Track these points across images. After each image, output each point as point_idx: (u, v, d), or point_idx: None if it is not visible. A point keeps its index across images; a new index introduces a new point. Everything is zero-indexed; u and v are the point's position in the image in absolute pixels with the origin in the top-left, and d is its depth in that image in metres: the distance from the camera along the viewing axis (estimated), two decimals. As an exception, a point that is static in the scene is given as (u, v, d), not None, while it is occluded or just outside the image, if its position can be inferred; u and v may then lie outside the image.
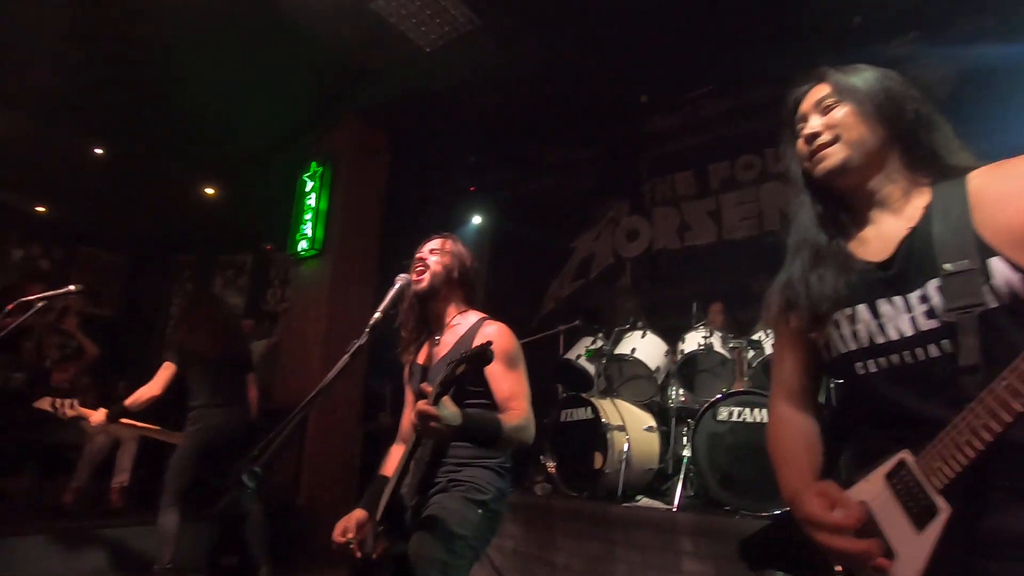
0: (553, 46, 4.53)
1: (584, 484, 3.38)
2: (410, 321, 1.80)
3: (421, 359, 1.79)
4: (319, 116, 5.44)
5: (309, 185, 5.56)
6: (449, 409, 1.33)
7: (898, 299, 0.92)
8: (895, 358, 0.91)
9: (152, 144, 5.97)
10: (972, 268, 0.84)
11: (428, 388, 1.36)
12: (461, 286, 1.82)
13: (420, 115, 5.44)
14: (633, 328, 3.95)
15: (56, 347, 4.83)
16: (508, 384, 1.60)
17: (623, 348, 3.84)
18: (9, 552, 3.26)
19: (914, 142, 0.98)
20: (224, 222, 7.67)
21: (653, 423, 3.57)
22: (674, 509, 3.01)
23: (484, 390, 1.61)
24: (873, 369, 0.94)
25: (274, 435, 1.18)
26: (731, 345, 3.55)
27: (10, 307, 2.56)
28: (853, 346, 0.96)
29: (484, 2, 4.07)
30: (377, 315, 1.53)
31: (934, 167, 0.97)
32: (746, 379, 3.40)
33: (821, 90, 1.05)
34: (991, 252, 0.84)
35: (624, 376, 4.06)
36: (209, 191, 7.11)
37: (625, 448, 3.29)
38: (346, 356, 1.40)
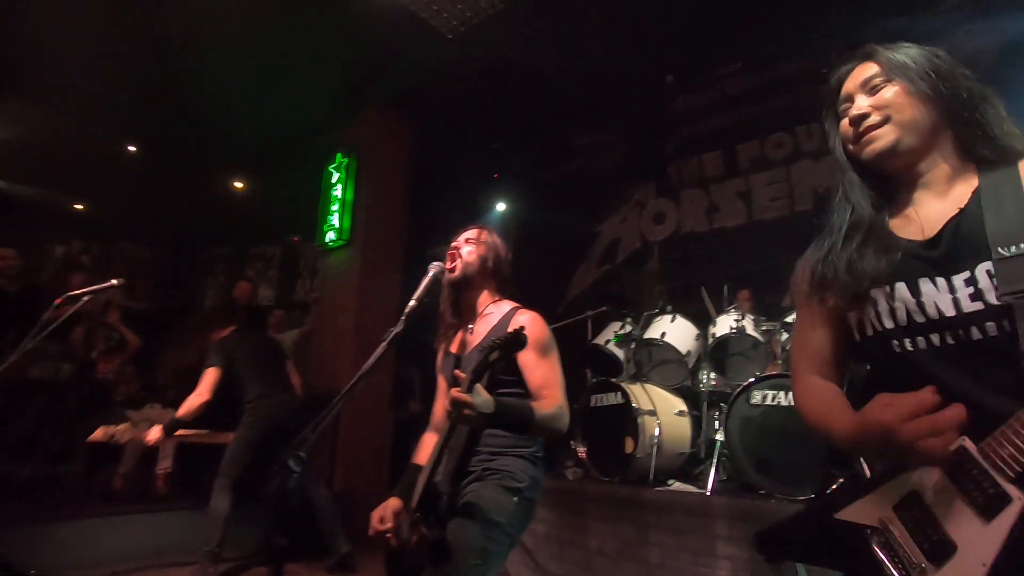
0: (576, 26, 4.45)
1: (615, 469, 3.38)
2: (448, 309, 1.81)
3: (454, 347, 1.80)
4: (343, 107, 5.47)
5: (335, 176, 5.63)
6: (482, 396, 1.33)
7: (941, 280, 0.89)
8: (935, 337, 0.89)
9: (182, 141, 6.12)
10: None
11: (462, 375, 1.37)
12: (495, 276, 1.81)
13: (443, 103, 5.43)
14: (662, 312, 3.90)
15: (102, 339, 5.03)
16: (541, 372, 1.59)
17: (652, 332, 3.81)
18: (67, 535, 3.44)
19: (967, 122, 0.94)
20: (253, 215, 7.84)
21: (684, 407, 3.55)
22: (708, 493, 3.00)
23: (517, 379, 1.61)
24: (910, 348, 0.91)
25: (318, 421, 1.21)
26: (764, 328, 3.50)
27: (58, 300, 2.66)
28: (890, 324, 0.93)
29: (505, -15, 4.03)
30: (412, 303, 1.55)
31: (987, 148, 0.93)
32: (779, 362, 3.35)
33: (868, 68, 1.00)
34: None
35: (654, 361, 4.02)
36: (238, 185, 7.25)
37: (656, 433, 3.28)
38: (384, 344, 1.42)
